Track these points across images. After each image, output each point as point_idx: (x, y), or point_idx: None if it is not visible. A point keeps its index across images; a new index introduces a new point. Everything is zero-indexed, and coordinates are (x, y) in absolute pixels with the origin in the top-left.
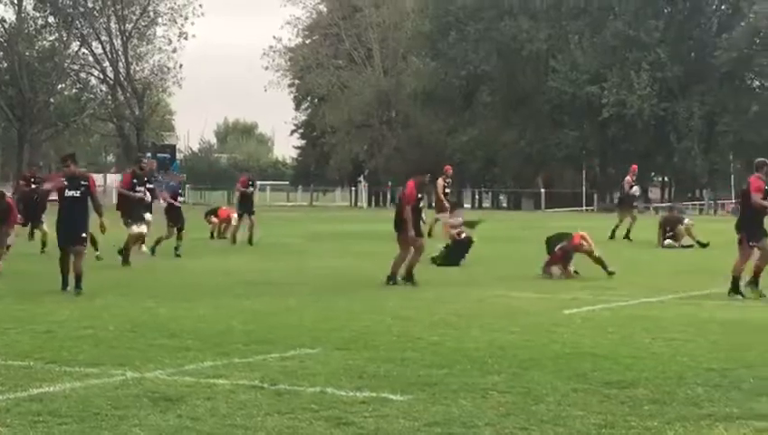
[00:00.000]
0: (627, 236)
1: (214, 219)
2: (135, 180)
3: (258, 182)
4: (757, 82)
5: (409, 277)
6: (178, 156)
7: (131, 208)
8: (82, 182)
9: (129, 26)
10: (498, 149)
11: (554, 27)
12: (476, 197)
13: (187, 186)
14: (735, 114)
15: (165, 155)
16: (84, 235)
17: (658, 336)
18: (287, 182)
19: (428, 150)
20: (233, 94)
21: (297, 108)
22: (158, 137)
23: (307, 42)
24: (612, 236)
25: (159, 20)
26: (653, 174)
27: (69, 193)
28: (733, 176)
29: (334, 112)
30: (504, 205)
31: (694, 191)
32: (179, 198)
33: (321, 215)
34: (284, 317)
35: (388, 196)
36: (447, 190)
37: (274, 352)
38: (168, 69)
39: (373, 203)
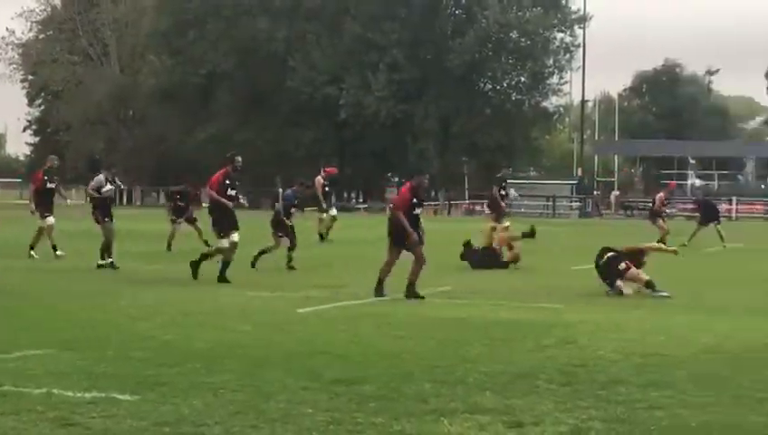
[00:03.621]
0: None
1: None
2: (227, 181)
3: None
4: (489, 86)
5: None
6: None
7: (225, 216)
8: None
9: None
10: (236, 147)
11: (293, 28)
12: None
13: None
14: (469, 117)
15: None
16: None
17: (388, 334)
18: (19, 179)
19: (166, 149)
20: None
21: (30, 104)
22: None
23: (41, 36)
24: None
25: None
26: (389, 174)
27: None
28: (466, 177)
29: (69, 109)
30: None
31: (429, 192)
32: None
33: (54, 213)
34: (8, 318)
35: (125, 195)
36: (327, 188)
37: None
38: None
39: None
